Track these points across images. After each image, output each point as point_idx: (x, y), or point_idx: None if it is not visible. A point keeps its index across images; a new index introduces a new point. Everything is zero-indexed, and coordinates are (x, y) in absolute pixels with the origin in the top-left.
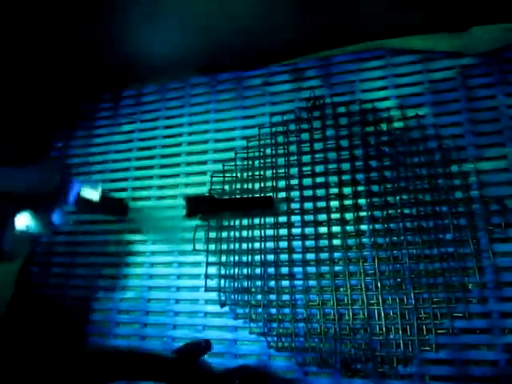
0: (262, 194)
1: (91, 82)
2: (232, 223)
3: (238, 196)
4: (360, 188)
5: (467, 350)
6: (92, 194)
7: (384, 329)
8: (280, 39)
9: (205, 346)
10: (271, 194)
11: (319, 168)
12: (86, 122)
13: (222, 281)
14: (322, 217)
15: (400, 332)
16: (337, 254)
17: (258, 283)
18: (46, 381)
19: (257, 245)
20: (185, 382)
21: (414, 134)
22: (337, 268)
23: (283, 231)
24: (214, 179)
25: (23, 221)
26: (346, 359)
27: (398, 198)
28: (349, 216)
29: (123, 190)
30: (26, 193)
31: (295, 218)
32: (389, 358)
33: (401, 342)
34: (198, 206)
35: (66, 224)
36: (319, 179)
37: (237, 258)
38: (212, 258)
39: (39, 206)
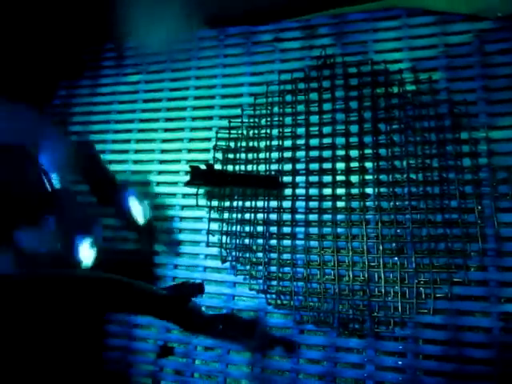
0: (268, 174)
1: (96, 31)
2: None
3: (243, 172)
4: (367, 151)
5: (463, 316)
6: (139, 212)
7: (383, 291)
8: None
9: (198, 288)
10: (278, 175)
11: (327, 129)
12: (91, 72)
13: (224, 237)
14: (327, 178)
15: (399, 295)
16: (340, 216)
17: (260, 241)
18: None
19: (260, 203)
20: (173, 319)
21: (426, 99)
22: (339, 230)
23: (287, 191)
24: (219, 135)
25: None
26: (343, 319)
27: (405, 162)
28: (354, 179)
29: (127, 141)
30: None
31: (300, 179)
32: (386, 320)
33: (399, 305)
34: (201, 177)
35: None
36: (326, 140)
37: (239, 215)
38: (214, 215)
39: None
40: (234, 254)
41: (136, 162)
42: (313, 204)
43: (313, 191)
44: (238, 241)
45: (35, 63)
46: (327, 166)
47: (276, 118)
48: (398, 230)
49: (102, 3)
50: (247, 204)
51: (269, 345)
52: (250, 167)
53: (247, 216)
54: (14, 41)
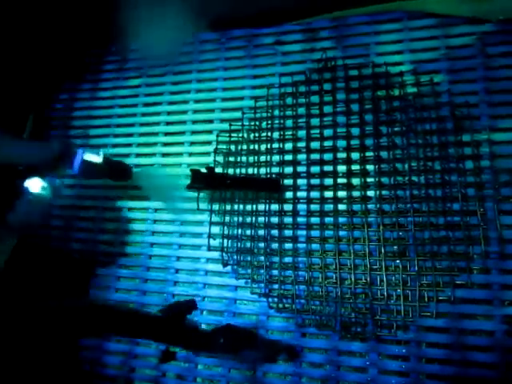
0: (269, 177)
1: (98, 34)
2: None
3: (244, 175)
4: (368, 153)
5: (466, 319)
6: (95, 158)
7: (385, 294)
8: None
9: (191, 305)
10: (279, 178)
11: (328, 132)
12: (91, 75)
13: (225, 241)
14: (329, 181)
15: (401, 298)
16: (341, 219)
17: (261, 245)
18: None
19: (261, 206)
20: (172, 340)
21: (427, 101)
22: (341, 233)
23: (288, 194)
24: (220, 138)
25: (36, 186)
26: (346, 322)
27: (407, 165)
28: (356, 181)
29: (128, 145)
30: (28, 163)
31: (301, 182)
32: (388, 324)
33: (401, 308)
34: (201, 181)
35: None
36: (327, 143)
37: (240, 218)
38: (215, 218)
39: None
40: (235, 257)
41: (137, 165)
42: (314, 207)
43: (314, 194)
44: (239, 244)
45: (37, 66)
46: (328, 168)
47: (277, 121)
48: (400, 233)
49: (104, 6)
50: (248, 207)
51: (271, 353)
52: (250, 170)
53: (248, 219)
54: (17, 43)
